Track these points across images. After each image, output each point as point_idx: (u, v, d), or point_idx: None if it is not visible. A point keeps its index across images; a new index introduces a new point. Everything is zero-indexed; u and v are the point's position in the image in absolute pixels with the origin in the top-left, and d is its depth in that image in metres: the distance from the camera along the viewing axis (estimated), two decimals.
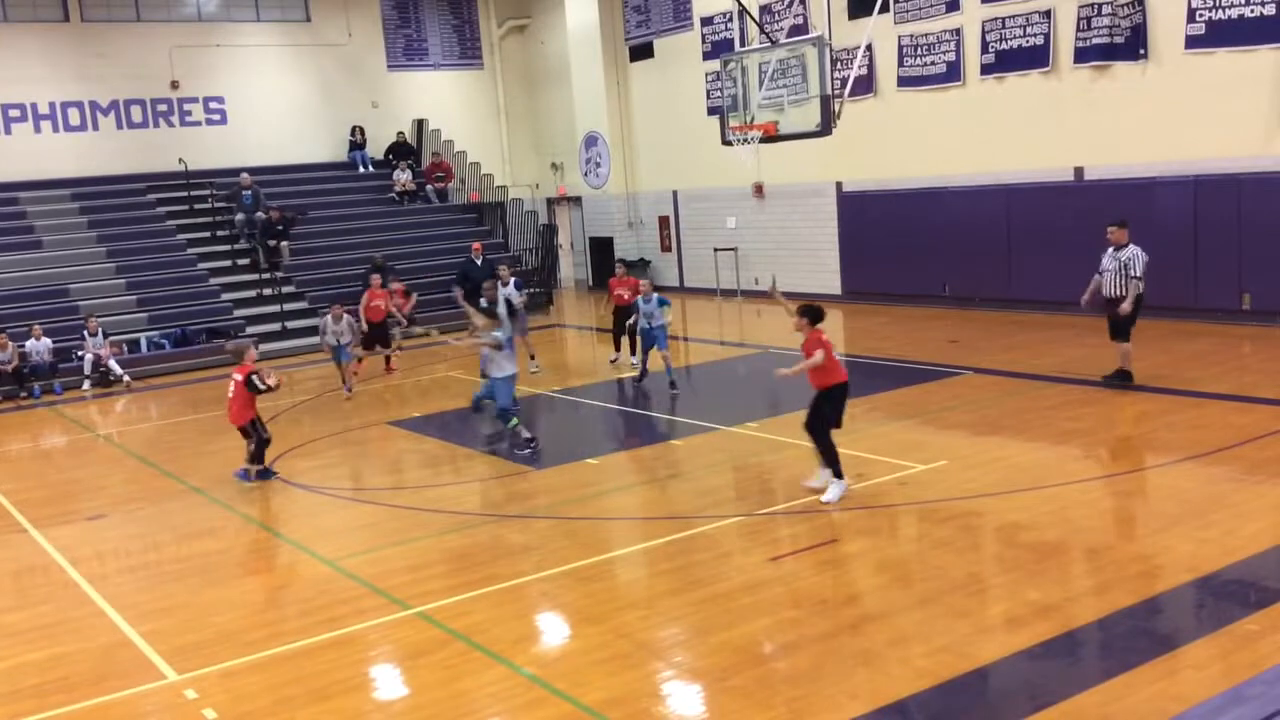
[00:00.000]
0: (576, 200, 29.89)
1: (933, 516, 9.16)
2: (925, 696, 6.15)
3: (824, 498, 9.63)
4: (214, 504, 11.43)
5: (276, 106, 27.30)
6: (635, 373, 15.76)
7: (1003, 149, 19.40)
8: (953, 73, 20.08)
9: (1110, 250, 13.01)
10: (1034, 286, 19.06)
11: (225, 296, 22.87)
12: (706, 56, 24.98)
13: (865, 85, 21.17)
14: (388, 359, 18.67)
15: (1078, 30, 18.01)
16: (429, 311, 21.80)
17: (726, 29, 22.40)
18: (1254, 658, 6.24)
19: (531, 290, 24.63)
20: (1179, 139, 16.92)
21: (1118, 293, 12.90)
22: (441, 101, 29.57)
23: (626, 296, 16.52)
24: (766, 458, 11.45)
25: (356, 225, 25.86)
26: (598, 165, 28.63)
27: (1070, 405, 12.55)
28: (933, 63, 20.44)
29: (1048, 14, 18.41)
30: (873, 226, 21.95)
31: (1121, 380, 13.02)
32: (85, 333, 19.69)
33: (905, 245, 21.04)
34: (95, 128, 25.37)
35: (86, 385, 19.31)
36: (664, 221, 27.54)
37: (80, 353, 19.58)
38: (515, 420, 12.42)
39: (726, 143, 16.64)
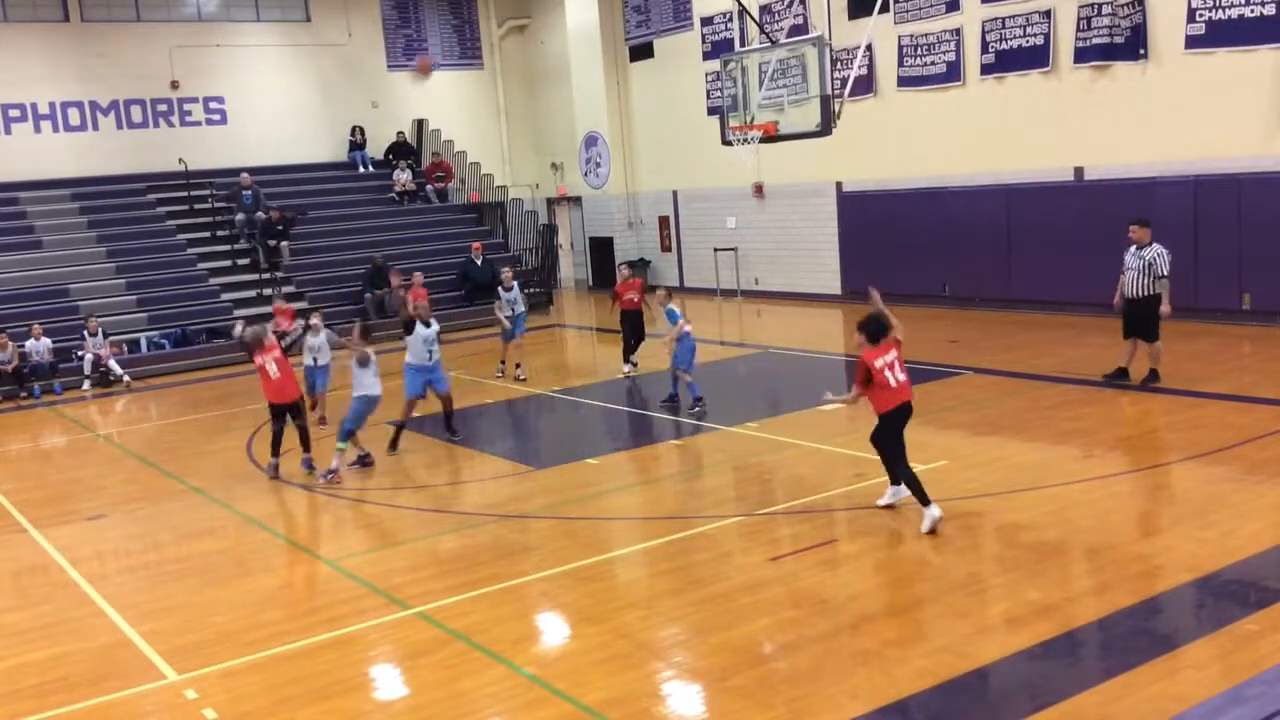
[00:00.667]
0: (576, 200, 29.90)
1: None
2: (925, 696, 6.15)
3: (922, 528, 8.59)
4: (214, 504, 11.43)
5: (276, 106, 27.30)
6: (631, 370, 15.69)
7: (1003, 149, 19.40)
8: (953, 73, 20.08)
9: (1133, 249, 13.02)
10: (1034, 286, 19.06)
11: (225, 296, 22.87)
12: (706, 56, 24.98)
13: (865, 85, 21.17)
14: None
15: (1078, 30, 18.00)
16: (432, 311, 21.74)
17: (726, 29, 22.39)
18: (1254, 658, 6.24)
19: (532, 290, 24.69)
20: (1179, 139, 16.92)
21: (1140, 293, 12.92)
22: (441, 101, 29.58)
23: (636, 300, 16.16)
24: (766, 458, 11.44)
25: (356, 225, 25.87)
26: (598, 165, 28.64)
27: (1070, 405, 12.55)
28: (933, 63, 20.44)
29: (1048, 14, 18.41)
30: (873, 226, 21.95)
31: (1151, 379, 13.01)
32: (85, 333, 19.69)
33: (905, 245, 21.03)
34: (95, 128, 25.37)
35: (86, 385, 19.31)
36: (664, 221, 27.55)
37: (80, 353, 19.58)
38: (344, 446, 11.82)
39: (726, 143, 16.63)
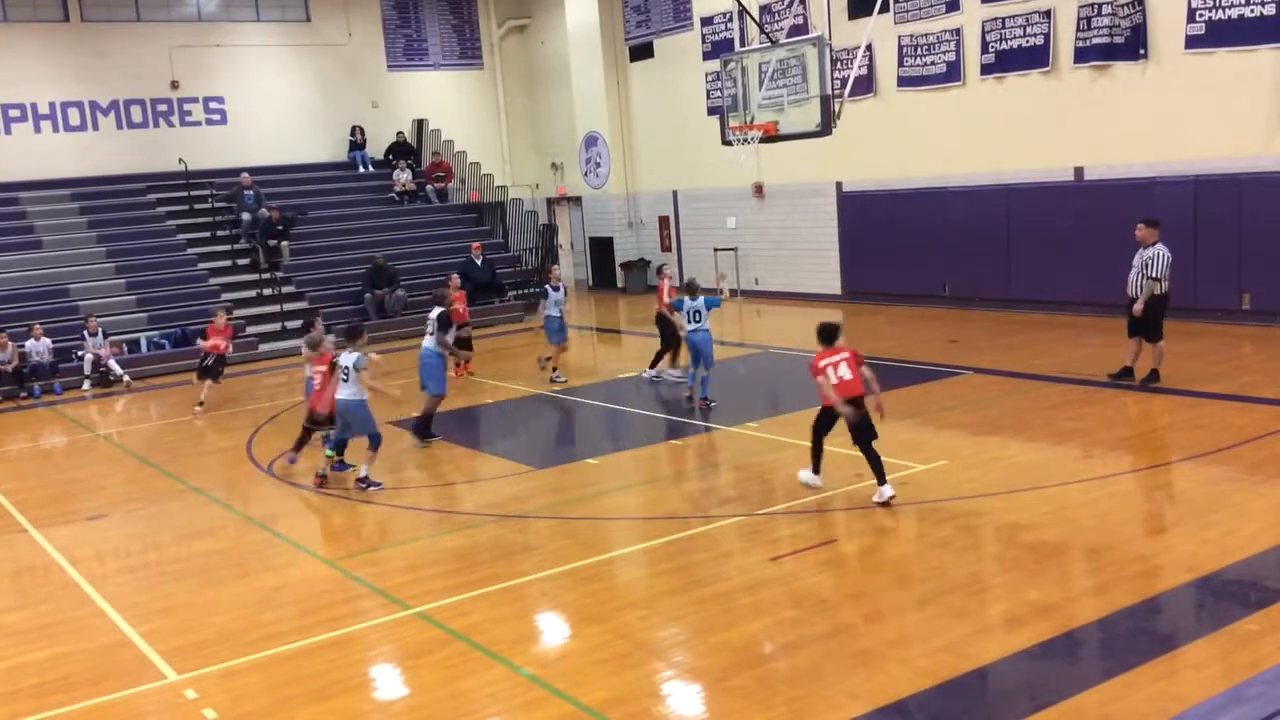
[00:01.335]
0: (576, 200, 29.90)
1: (933, 516, 9.16)
2: (925, 696, 6.15)
3: (800, 477, 10.19)
4: (214, 504, 11.43)
5: (276, 106, 27.30)
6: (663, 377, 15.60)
7: (1003, 149, 19.41)
8: (953, 73, 20.08)
9: (1140, 249, 13.05)
10: (1034, 286, 19.07)
11: (225, 296, 22.84)
12: (706, 56, 24.98)
13: (865, 85, 21.18)
14: (461, 362, 16.86)
15: (1078, 30, 18.01)
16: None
17: (726, 29, 22.39)
18: (1254, 658, 6.24)
19: (532, 290, 24.69)
20: (1179, 139, 16.92)
21: (1137, 292, 12.95)
22: (441, 101, 29.58)
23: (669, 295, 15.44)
24: (766, 458, 11.45)
25: (356, 225, 25.87)
26: (598, 165, 28.64)
27: (1070, 405, 12.56)
28: (933, 63, 20.44)
29: (1048, 14, 18.41)
30: (873, 226, 21.95)
31: (1151, 379, 13.01)
32: (85, 333, 19.68)
33: (905, 245, 21.04)
34: (95, 128, 25.37)
35: (86, 385, 19.31)
36: (664, 221, 27.55)
37: (80, 353, 19.57)
38: (333, 454, 11.82)
39: (726, 143, 16.64)
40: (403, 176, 27.48)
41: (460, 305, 16.81)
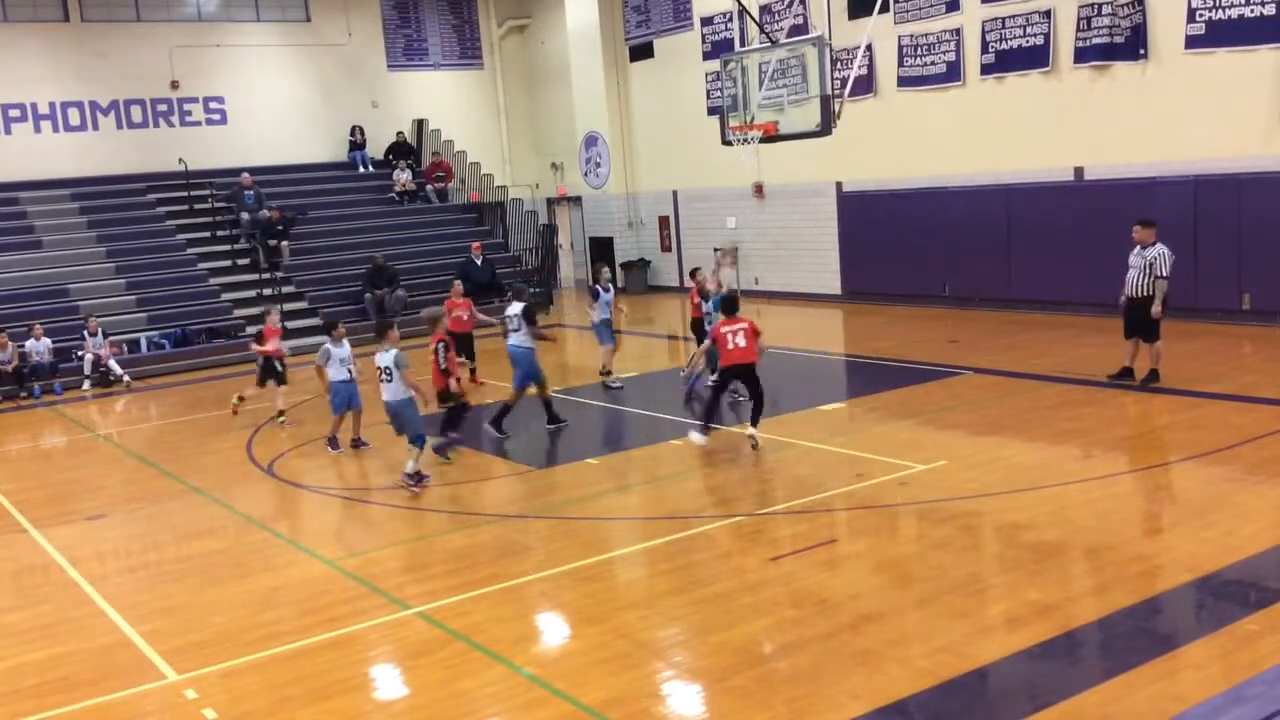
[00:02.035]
0: (576, 200, 29.90)
1: (932, 516, 9.16)
2: (925, 696, 6.15)
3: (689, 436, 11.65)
4: (214, 504, 11.43)
5: (276, 106, 27.29)
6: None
7: (1003, 149, 19.41)
8: (953, 73, 20.08)
9: (1136, 249, 13.03)
10: (1034, 286, 19.07)
11: (225, 296, 22.87)
12: (706, 56, 24.98)
13: (865, 85, 21.17)
14: (473, 371, 16.42)
15: (1078, 30, 18.01)
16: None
17: (726, 29, 22.39)
18: (1254, 658, 6.24)
19: (532, 289, 24.66)
20: (1179, 139, 16.92)
21: (1140, 293, 12.93)
22: (441, 101, 29.58)
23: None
24: (767, 458, 11.44)
25: (356, 225, 25.87)
26: (598, 165, 28.64)
27: (1070, 405, 12.55)
28: (933, 63, 20.44)
29: (1048, 14, 18.41)
30: (873, 226, 21.95)
31: (1150, 379, 13.00)
32: (85, 333, 19.68)
33: (905, 245, 21.04)
34: (95, 128, 25.37)
35: (86, 385, 19.31)
36: (664, 221, 27.55)
37: (80, 353, 19.57)
38: (419, 449, 11.29)
39: (726, 143, 16.63)
40: (403, 176, 27.48)
41: (464, 313, 16.68)
